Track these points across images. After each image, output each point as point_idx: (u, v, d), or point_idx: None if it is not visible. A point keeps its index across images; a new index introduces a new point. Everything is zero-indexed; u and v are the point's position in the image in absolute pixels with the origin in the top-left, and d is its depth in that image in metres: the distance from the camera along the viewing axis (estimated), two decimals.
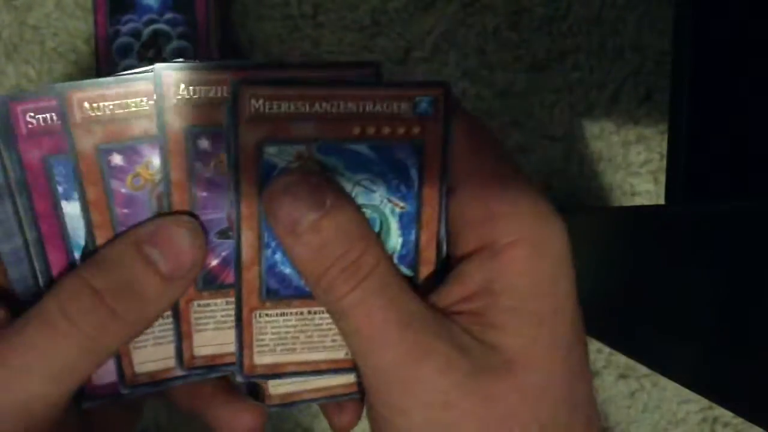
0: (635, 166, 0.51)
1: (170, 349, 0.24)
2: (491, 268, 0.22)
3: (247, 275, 0.23)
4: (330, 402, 0.26)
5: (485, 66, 0.51)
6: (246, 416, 0.25)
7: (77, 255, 0.23)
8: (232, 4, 0.51)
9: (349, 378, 0.25)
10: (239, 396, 0.25)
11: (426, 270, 0.24)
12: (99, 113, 0.22)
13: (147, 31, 0.48)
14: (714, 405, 0.53)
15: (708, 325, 0.27)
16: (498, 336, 0.22)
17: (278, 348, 0.24)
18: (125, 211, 0.23)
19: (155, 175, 0.23)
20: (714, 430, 0.54)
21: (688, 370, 0.29)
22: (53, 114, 0.22)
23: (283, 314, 0.24)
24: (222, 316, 0.24)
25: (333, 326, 0.24)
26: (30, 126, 0.22)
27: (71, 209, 0.23)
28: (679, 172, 0.34)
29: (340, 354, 0.24)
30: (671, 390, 0.53)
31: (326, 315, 0.24)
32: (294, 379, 0.25)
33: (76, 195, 0.23)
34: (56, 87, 0.22)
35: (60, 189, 0.22)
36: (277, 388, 0.25)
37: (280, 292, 0.23)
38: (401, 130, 0.23)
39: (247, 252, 0.23)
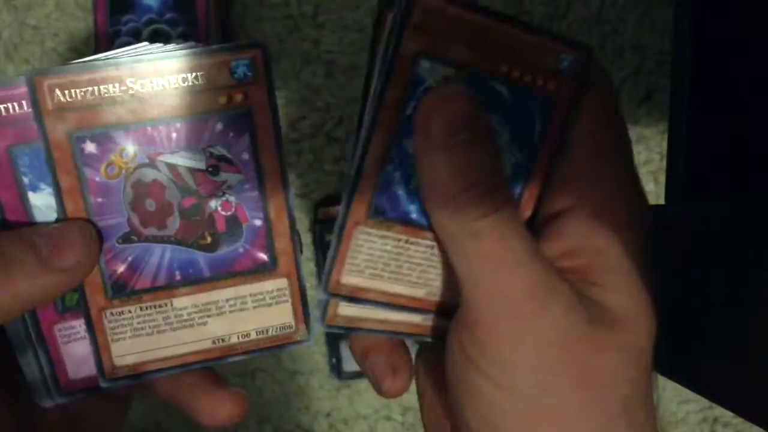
0: None
1: (151, 341, 0.24)
2: (593, 225, 0.22)
3: (362, 186, 0.23)
4: (392, 338, 0.26)
5: None
6: (227, 404, 0.25)
7: None
8: (232, 4, 0.51)
9: (417, 319, 0.25)
10: (220, 384, 0.25)
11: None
12: (71, 99, 0.22)
13: (147, 31, 0.48)
14: (714, 405, 0.53)
15: (708, 324, 0.27)
16: (602, 294, 0.22)
17: (367, 270, 0.24)
18: (99, 200, 0.22)
19: (129, 163, 0.22)
20: (714, 430, 0.54)
21: (688, 369, 0.29)
22: (18, 103, 0.21)
23: (382, 236, 0.23)
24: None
25: (424, 262, 0.24)
26: None
27: (38, 201, 0.22)
28: (679, 172, 0.34)
29: (420, 292, 0.24)
30: (671, 390, 0.53)
31: (422, 248, 0.24)
32: (371, 307, 0.25)
33: (43, 186, 0.22)
34: (26, 74, 0.21)
35: (26, 180, 0.22)
36: (346, 308, 0.25)
37: (387, 213, 0.23)
38: (540, 81, 0.23)
39: (371, 161, 0.23)
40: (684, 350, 0.29)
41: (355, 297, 0.24)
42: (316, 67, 0.51)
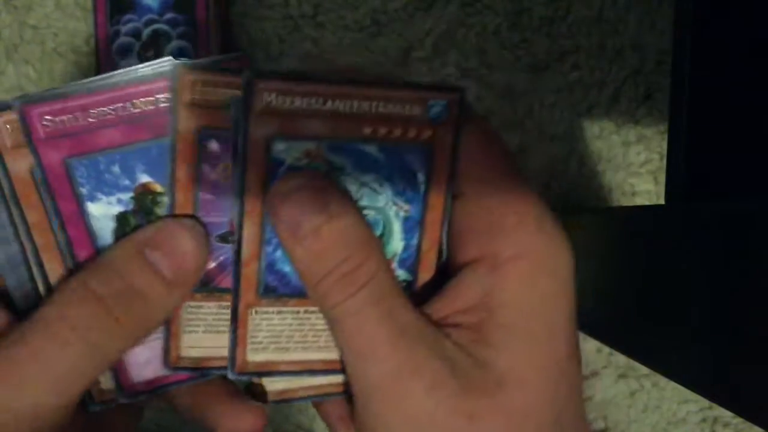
0: (635, 166, 0.51)
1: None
2: (490, 281, 0.22)
3: (246, 270, 0.23)
4: (323, 400, 0.26)
5: (485, 66, 0.51)
6: (248, 417, 0.25)
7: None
8: (232, 4, 0.51)
9: (342, 378, 0.25)
10: (241, 397, 0.25)
11: (425, 275, 0.24)
12: (205, 97, 0.22)
13: (147, 31, 0.48)
14: (714, 405, 0.53)
15: (708, 324, 0.27)
16: (490, 353, 0.21)
17: (272, 346, 0.24)
18: (208, 196, 0.23)
19: None
20: (714, 431, 0.54)
21: (688, 370, 0.29)
22: (74, 115, 0.21)
23: (279, 312, 0.23)
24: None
25: (328, 326, 0.24)
26: (46, 129, 0.21)
27: (96, 211, 0.22)
28: (679, 172, 0.34)
29: (334, 355, 0.24)
30: (671, 390, 0.53)
31: (321, 315, 0.23)
32: (285, 378, 0.25)
33: (100, 195, 0.22)
34: (172, 68, 0.21)
35: (83, 191, 0.22)
36: (272, 384, 0.25)
37: (278, 290, 0.23)
38: (412, 133, 0.22)
39: (247, 247, 0.22)
40: (684, 350, 0.29)
41: (266, 371, 0.24)
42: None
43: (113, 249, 0.22)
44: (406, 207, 0.23)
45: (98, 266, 0.22)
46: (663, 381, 0.53)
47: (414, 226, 0.23)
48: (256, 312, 0.23)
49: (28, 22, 0.52)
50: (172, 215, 0.23)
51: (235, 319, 0.23)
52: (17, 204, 0.22)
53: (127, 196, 0.22)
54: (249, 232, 0.22)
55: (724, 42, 0.35)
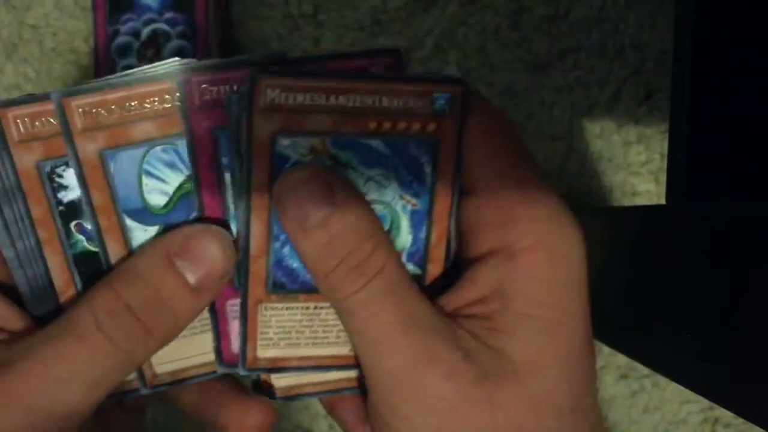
0: (636, 166, 0.51)
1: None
2: (505, 271, 0.22)
3: (254, 267, 0.23)
4: (333, 395, 0.26)
5: (485, 66, 0.51)
6: (255, 414, 0.25)
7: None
8: (231, 4, 0.51)
9: (353, 373, 0.25)
10: (248, 394, 0.25)
11: (434, 268, 0.24)
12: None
13: (146, 31, 0.47)
14: (715, 405, 0.53)
15: (708, 325, 0.27)
16: (507, 341, 0.21)
17: (282, 342, 0.24)
18: None
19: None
20: (715, 431, 0.54)
21: (689, 370, 0.29)
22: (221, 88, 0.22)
23: (288, 308, 0.23)
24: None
25: (339, 322, 0.24)
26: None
27: None
28: (679, 172, 0.34)
29: (345, 350, 0.24)
30: (672, 390, 0.53)
31: (332, 310, 0.23)
32: (296, 374, 0.25)
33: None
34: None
35: (224, 161, 0.22)
36: (280, 380, 0.25)
37: (287, 286, 0.23)
38: (417, 126, 0.22)
39: (255, 244, 0.22)
40: (684, 350, 0.29)
41: (277, 367, 0.24)
42: None
43: (142, 255, 0.22)
44: (414, 201, 0.23)
45: (128, 272, 0.22)
46: (664, 381, 0.53)
47: (422, 219, 0.23)
48: (266, 308, 0.23)
49: (27, 21, 0.52)
50: (200, 220, 0.23)
51: (245, 315, 0.23)
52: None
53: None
54: (256, 229, 0.22)
55: (724, 42, 0.34)
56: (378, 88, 0.22)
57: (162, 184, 0.23)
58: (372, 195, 0.23)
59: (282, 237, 0.22)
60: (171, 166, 0.22)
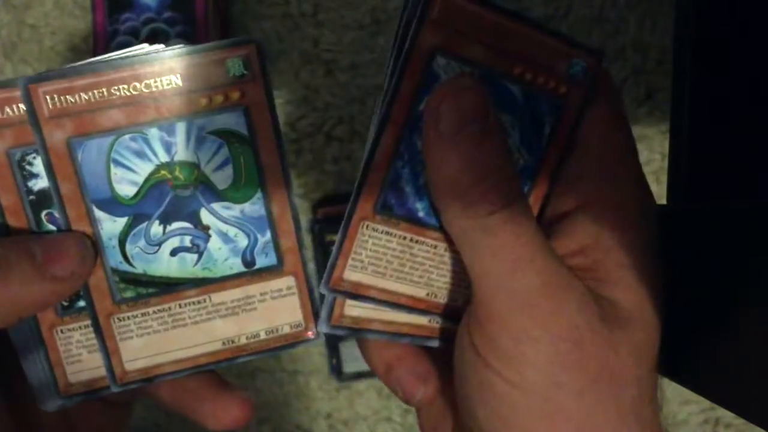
0: None
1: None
2: (603, 223, 0.22)
3: (371, 180, 0.22)
4: (396, 341, 0.25)
5: None
6: (233, 408, 0.25)
7: None
8: (231, 3, 0.51)
9: (423, 321, 0.25)
10: (225, 388, 0.25)
11: None
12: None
13: (145, 30, 0.47)
14: (715, 406, 0.53)
15: (708, 324, 0.27)
16: (613, 291, 0.22)
17: (370, 267, 0.24)
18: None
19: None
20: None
21: (689, 370, 0.29)
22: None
23: (388, 233, 0.23)
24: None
25: (427, 262, 0.24)
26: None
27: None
28: (680, 172, 0.33)
29: (422, 293, 0.24)
30: (672, 391, 0.53)
31: (426, 248, 0.24)
32: (370, 305, 0.24)
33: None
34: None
35: None
36: (352, 309, 0.25)
37: (394, 209, 0.23)
38: (551, 84, 0.23)
39: (381, 155, 0.22)
40: (684, 350, 0.29)
41: (356, 294, 0.24)
42: (316, 66, 0.51)
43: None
44: (526, 155, 0.23)
45: None
46: (664, 382, 0.53)
47: (527, 176, 0.24)
48: (367, 227, 0.23)
49: (27, 20, 0.51)
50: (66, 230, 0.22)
51: (346, 231, 0.23)
52: None
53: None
54: (386, 140, 0.22)
55: (724, 41, 0.34)
56: (532, 35, 0.22)
57: (131, 173, 0.22)
58: None
59: (406, 156, 0.22)
60: (140, 155, 0.22)
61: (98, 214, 0.22)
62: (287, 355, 0.53)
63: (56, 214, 0.22)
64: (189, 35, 0.47)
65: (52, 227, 0.22)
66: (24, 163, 0.22)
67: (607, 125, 0.24)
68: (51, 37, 0.51)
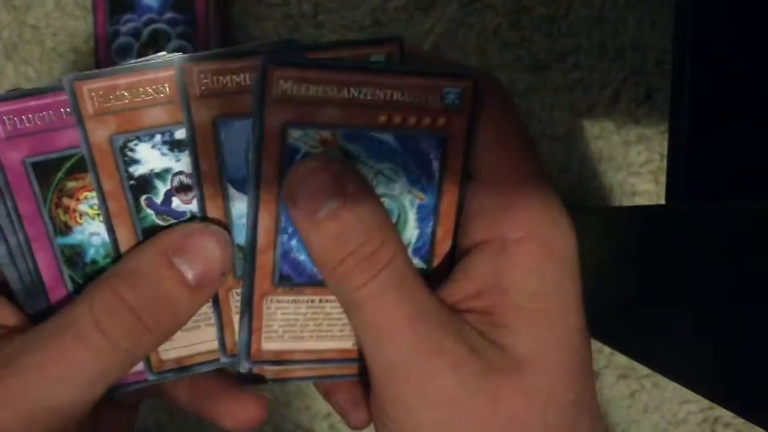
0: (636, 166, 0.51)
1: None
2: (500, 263, 0.22)
3: (261, 260, 0.23)
4: (326, 382, 0.26)
5: (485, 66, 0.51)
6: (249, 407, 0.25)
7: None
8: (231, 4, 0.51)
9: (356, 365, 0.25)
10: (241, 388, 0.25)
11: (439, 263, 0.24)
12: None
13: (147, 31, 0.48)
14: (715, 405, 0.53)
15: (708, 324, 0.27)
16: (506, 336, 0.21)
17: (286, 335, 0.24)
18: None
19: None
20: (715, 431, 0.54)
21: (689, 370, 0.29)
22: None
23: (294, 301, 0.23)
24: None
25: (343, 315, 0.24)
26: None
27: None
28: (679, 172, 0.34)
29: (348, 344, 0.24)
30: (672, 390, 0.53)
31: (337, 304, 0.23)
32: (300, 367, 0.24)
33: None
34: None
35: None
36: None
37: (293, 279, 0.23)
38: (427, 121, 0.22)
39: (263, 236, 0.22)
40: (684, 350, 0.29)
41: (281, 360, 0.24)
42: None
43: (140, 253, 0.22)
44: (421, 195, 0.23)
45: (127, 271, 0.22)
46: (663, 381, 0.53)
47: (428, 214, 0.23)
48: (271, 301, 0.23)
49: (28, 21, 0.52)
50: (201, 219, 0.23)
51: (250, 309, 0.23)
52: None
53: None
54: (264, 221, 0.22)
55: (724, 42, 0.34)
56: (389, 82, 0.22)
57: None
58: (381, 189, 0.23)
59: (290, 229, 0.22)
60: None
61: (231, 192, 0.23)
62: None
63: (155, 199, 0.23)
64: (190, 36, 0.47)
65: (150, 211, 0.23)
66: (126, 150, 0.22)
67: (497, 148, 0.23)
68: (52, 38, 0.51)
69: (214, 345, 0.24)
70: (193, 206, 0.23)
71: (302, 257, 0.23)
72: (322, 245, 0.21)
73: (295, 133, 0.21)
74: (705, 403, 0.53)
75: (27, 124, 0.22)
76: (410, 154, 0.23)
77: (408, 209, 0.23)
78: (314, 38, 0.51)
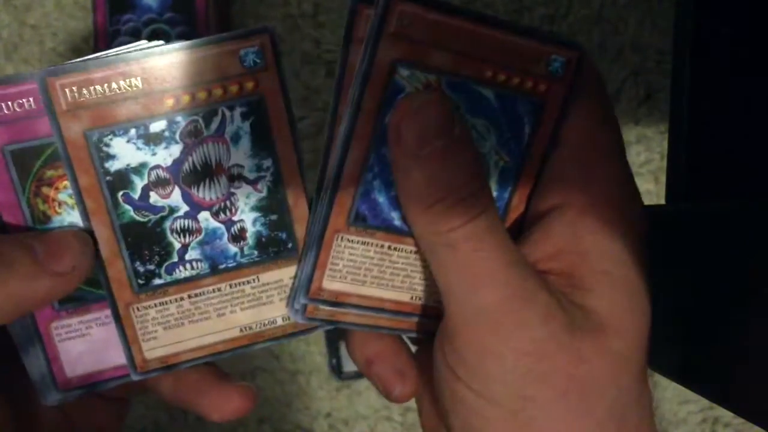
0: (636, 166, 0.51)
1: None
2: (581, 226, 0.22)
3: (341, 194, 0.22)
4: (371, 332, 0.25)
5: None
6: (234, 398, 0.25)
7: None
8: (231, 4, 0.51)
9: (403, 320, 0.25)
10: (225, 379, 0.25)
11: (509, 229, 0.24)
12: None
13: (146, 31, 0.48)
14: (715, 405, 0.53)
15: (708, 324, 0.27)
16: (589, 298, 0.22)
17: (349, 276, 0.23)
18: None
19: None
20: (714, 430, 0.54)
21: (688, 370, 0.29)
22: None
23: (364, 243, 0.23)
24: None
25: (407, 267, 0.24)
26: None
27: None
28: (679, 172, 0.34)
29: (406, 297, 0.24)
30: (671, 390, 0.53)
31: (405, 254, 0.23)
32: (354, 312, 0.24)
33: None
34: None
35: None
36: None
37: (368, 220, 0.23)
38: (529, 84, 0.22)
39: (349, 169, 0.22)
40: (684, 350, 0.29)
41: (337, 302, 0.24)
42: (316, 66, 0.51)
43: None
44: (507, 158, 0.23)
45: None
46: (663, 381, 0.53)
47: (509, 178, 0.23)
48: (342, 239, 0.23)
49: (28, 21, 0.52)
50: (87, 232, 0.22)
51: (319, 244, 0.23)
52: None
53: None
54: (354, 155, 0.22)
55: (724, 42, 0.34)
56: (502, 38, 0.22)
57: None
58: None
59: (376, 168, 0.22)
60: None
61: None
62: (288, 355, 0.54)
63: (132, 195, 0.23)
64: (190, 36, 0.47)
65: (128, 207, 0.23)
66: (101, 145, 0.22)
67: (590, 122, 0.23)
68: (52, 38, 0.51)
69: (200, 342, 0.24)
70: (171, 200, 0.23)
71: (381, 199, 0.23)
72: (420, 182, 0.21)
73: (403, 72, 0.21)
74: (705, 403, 0.53)
75: (6, 111, 0.21)
76: (506, 114, 0.23)
77: (492, 169, 0.23)
78: (315, 38, 0.51)
